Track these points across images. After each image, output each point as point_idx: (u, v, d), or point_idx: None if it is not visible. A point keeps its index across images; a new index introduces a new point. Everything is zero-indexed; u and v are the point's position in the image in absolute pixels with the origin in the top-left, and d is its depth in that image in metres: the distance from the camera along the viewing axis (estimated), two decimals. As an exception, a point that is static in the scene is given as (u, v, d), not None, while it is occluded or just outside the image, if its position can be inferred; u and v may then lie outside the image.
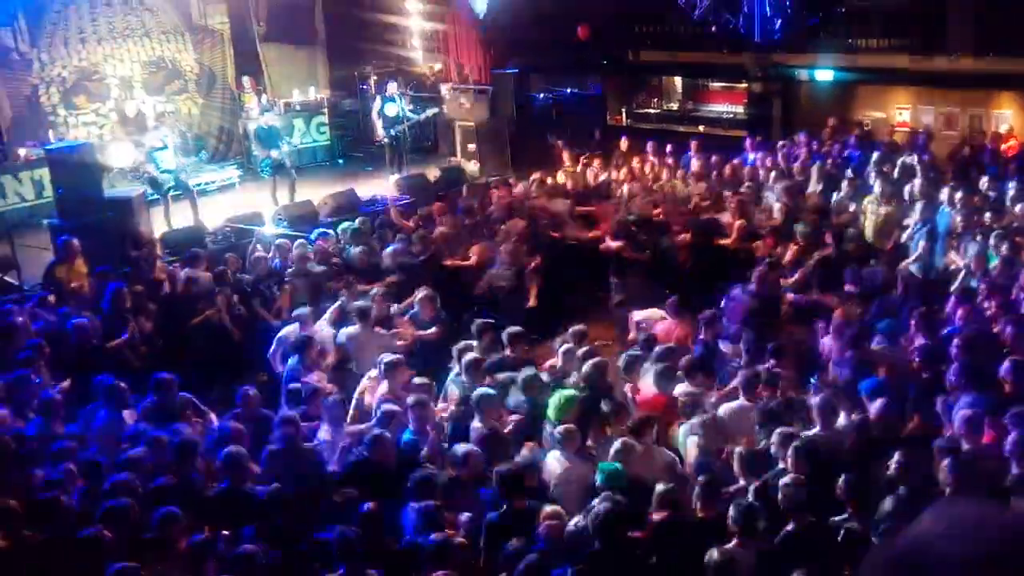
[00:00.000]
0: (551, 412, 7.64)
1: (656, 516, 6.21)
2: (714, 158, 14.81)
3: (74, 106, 17.55)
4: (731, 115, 19.47)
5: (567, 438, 7.14)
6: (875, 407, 7.18)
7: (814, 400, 7.32)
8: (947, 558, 1.22)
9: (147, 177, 15.02)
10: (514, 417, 7.97)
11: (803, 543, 5.84)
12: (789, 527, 5.94)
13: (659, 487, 6.34)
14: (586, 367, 8.31)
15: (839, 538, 5.86)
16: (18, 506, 6.23)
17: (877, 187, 12.55)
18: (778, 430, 6.82)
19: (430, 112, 18.89)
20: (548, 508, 6.19)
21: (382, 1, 21.13)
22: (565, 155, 16.17)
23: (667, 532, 6.09)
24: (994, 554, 1.21)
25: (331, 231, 12.98)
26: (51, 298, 10.90)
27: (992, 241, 10.37)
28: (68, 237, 11.55)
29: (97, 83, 17.79)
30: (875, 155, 14.24)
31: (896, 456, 6.27)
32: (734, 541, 5.79)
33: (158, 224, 14.29)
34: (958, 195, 11.78)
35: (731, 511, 5.89)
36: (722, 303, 10.01)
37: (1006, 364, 7.45)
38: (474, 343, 9.14)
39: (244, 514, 6.42)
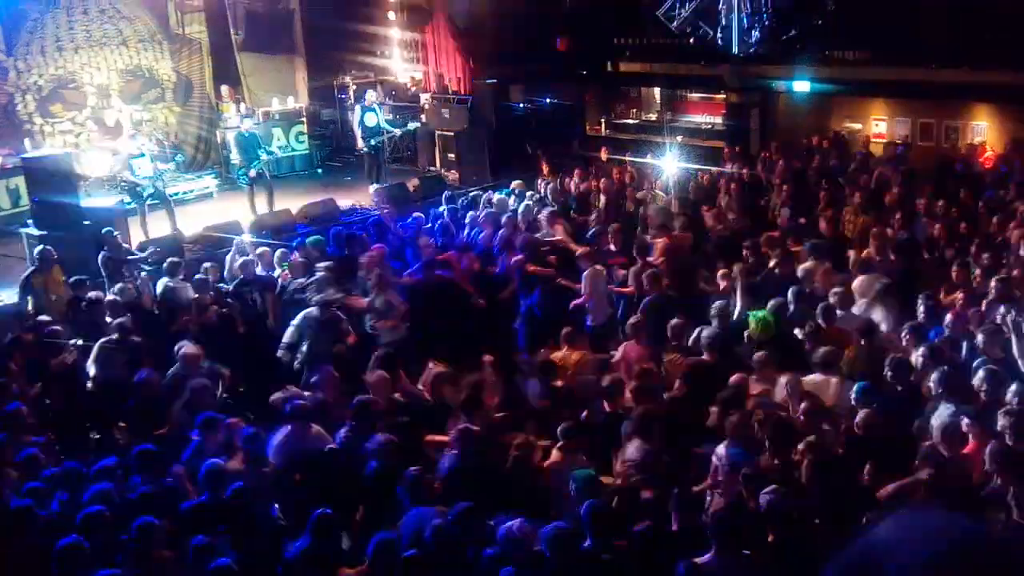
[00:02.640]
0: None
1: (638, 526, 6.21)
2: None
3: (51, 114, 17.45)
4: (709, 126, 19.58)
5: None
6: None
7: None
8: (900, 564, 1.24)
9: (126, 185, 14.92)
10: None
11: (784, 555, 5.83)
12: (770, 538, 5.94)
13: (645, 495, 6.38)
14: None
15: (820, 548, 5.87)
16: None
17: (856, 197, 12.65)
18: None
19: (412, 126, 18.92)
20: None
21: (361, 11, 21.13)
22: (544, 166, 16.21)
23: (649, 542, 6.08)
24: (945, 562, 1.23)
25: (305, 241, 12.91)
26: (29, 307, 10.79)
27: (972, 251, 10.45)
28: (45, 247, 11.46)
29: (74, 91, 17.69)
30: (852, 166, 14.36)
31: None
32: (712, 551, 5.78)
33: (135, 233, 14.20)
34: (938, 204, 11.90)
35: (710, 521, 5.89)
36: None
37: (980, 373, 7.49)
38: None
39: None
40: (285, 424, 7.58)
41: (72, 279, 11.08)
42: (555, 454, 7.27)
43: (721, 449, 7.00)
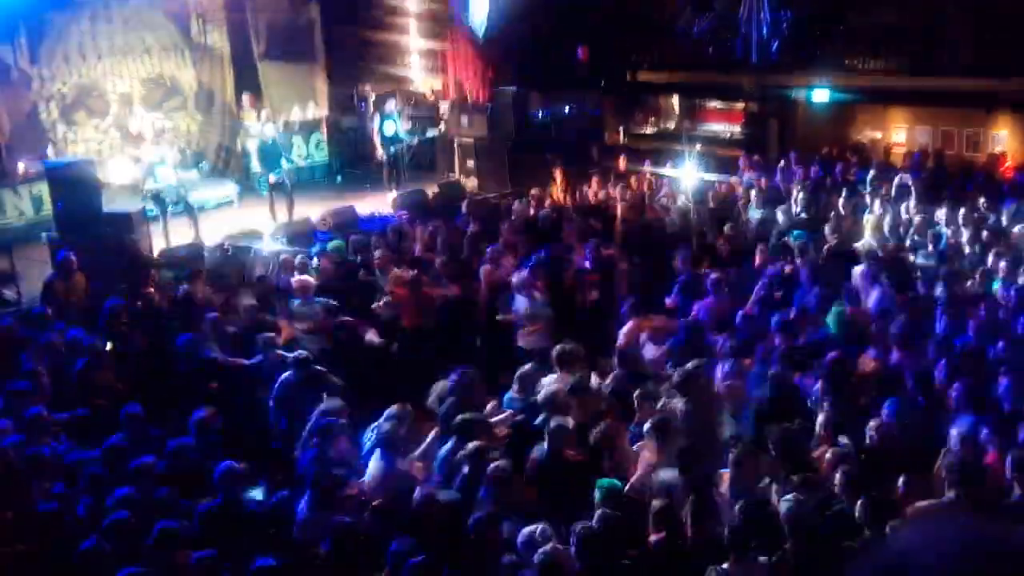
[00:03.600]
0: None
1: (653, 537, 6.19)
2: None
3: (74, 122, 17.61)
4: (728, 135, 19.54)
5: None
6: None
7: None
8: (925, 566, 1.24)
9: (150, 193, 15.03)
10: None
11: (802, 563, 5.81)
12: (787, 546, 5.92)
13: (655, 503, 6.34)
14: None
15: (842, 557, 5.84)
16: (11, 518, 6.22)
17: (877, 206, 12.63)
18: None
19: (430, 133, 18.98)
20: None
21: (382, 20, 21.23)
22: (557, 174, 16.26)
23: (662, 553, 6.07)
24: (971, 565, 1.23)
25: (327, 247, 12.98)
26: (48, 313, 10.87)
27: (991, 260, 10.41)
28: (66, 253, 11.56)
29: (97, 100, 17.84)
30: (871, 173, 14.34)
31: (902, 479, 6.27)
32: (730, 561, 5.77)
33: (157, 241, 14.30)
34: (961, 212, 11.86)
35: (726, 530, 5.87)
36: None
37: (1003, 382, 7.46)
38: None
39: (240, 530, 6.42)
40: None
41: (94, 285, 11.19)
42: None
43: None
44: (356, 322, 10.60)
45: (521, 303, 10.46)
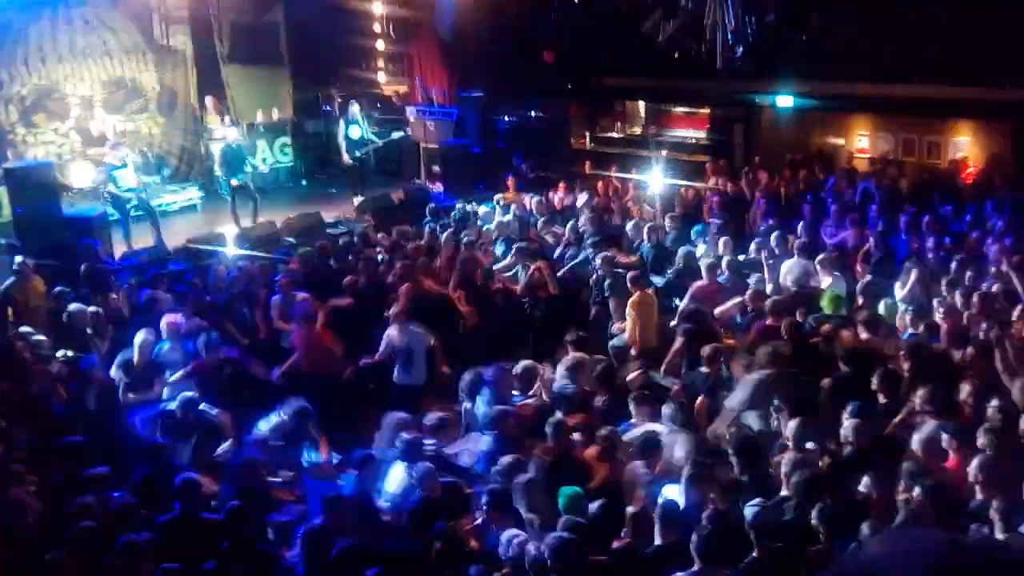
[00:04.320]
0: None
1: (616, 543, 6.19)
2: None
3: (33, 125, 17.34)
4: (694, 140, 19.63)
5: None
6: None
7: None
8: None
9: (109, 196, 14.84)
10: None
11: (769, 570, 5.82)
12: (754, 553, 5.92)
13: (630, 510, 6.35)
14: None
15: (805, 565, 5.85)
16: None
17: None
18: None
19: (396, 135, 18.90)
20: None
21: (348, 23, 21.13)
22: (509, 182, 16.28)
23: (627, 559, 6.06)
24: None
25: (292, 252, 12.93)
26: (9, 317, 10.70)
27: (952, 267, 10.53)
28: (22, 257, 11.39)
29: (57, 102, 17.59)
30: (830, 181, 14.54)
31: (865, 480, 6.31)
32: (696, 566, 5.76)
33: (118, 244, 14.13)
34: (924, 220, 12.01)
35: (693, 536, 5.87)
36: None
37: (966, 387, 7.54)
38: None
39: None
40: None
41: (55, 290, 11.02)
42: None
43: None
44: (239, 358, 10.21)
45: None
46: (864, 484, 6.42)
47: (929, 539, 1.32)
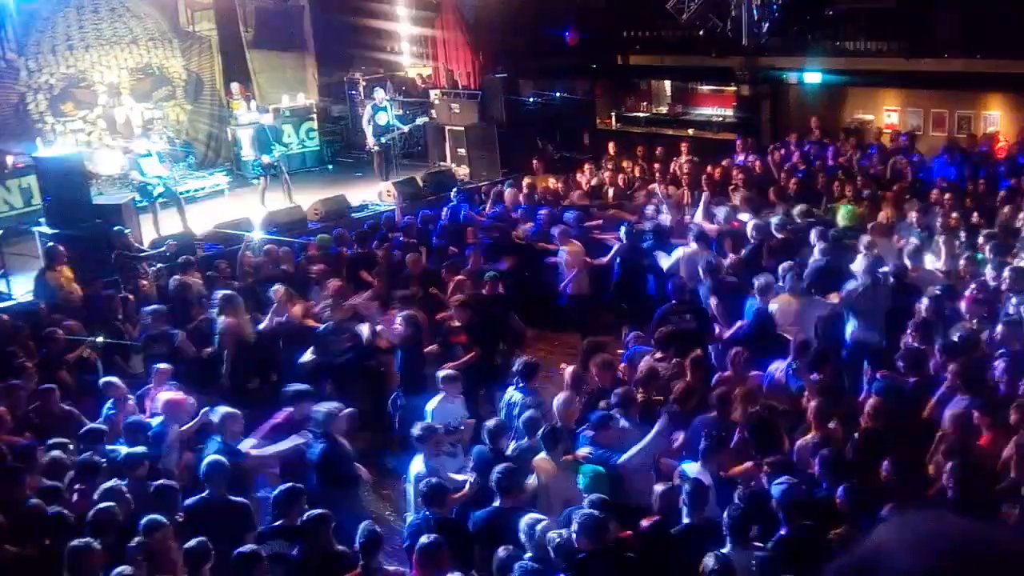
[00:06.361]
0: None
1: (645, 522, 6.20)
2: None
3: (62, 113, 17.50)
4: (720, 118, 19.49)
5: None
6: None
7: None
8: (899, 568, 1.22)
9: (136, 184, 14.96)
10: None
11: (797, 548, 5.81)
12: (783, 531, 5.91)
13: (658, 488, 6.36)
14: None
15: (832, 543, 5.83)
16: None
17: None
18: None
19: (420, 121, 18.91)
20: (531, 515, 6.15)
21: (371, 7, 21.11)
22: (535, 163, 16.21)
23: (655, 537, 6.07)
24: (944, 566, 1.21)
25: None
26: (42, 305, 10.82)
27: (980, 242, 10.39)
28: (54, 244, 11.51)
29: (84, 90, 17.73)
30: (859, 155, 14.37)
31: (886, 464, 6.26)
32: (728, 546, 5.76)
33: (147, 231, 14.23)
34: (947, 196, 11.84)
35: (725, 516, 5.86)
36: None
37: (1000, 364, 7.45)
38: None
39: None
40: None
41: (85, 276, 11.14)
42: None
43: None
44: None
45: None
46: (886, 464, 6.34)
47: (942, 525, 1.30)
